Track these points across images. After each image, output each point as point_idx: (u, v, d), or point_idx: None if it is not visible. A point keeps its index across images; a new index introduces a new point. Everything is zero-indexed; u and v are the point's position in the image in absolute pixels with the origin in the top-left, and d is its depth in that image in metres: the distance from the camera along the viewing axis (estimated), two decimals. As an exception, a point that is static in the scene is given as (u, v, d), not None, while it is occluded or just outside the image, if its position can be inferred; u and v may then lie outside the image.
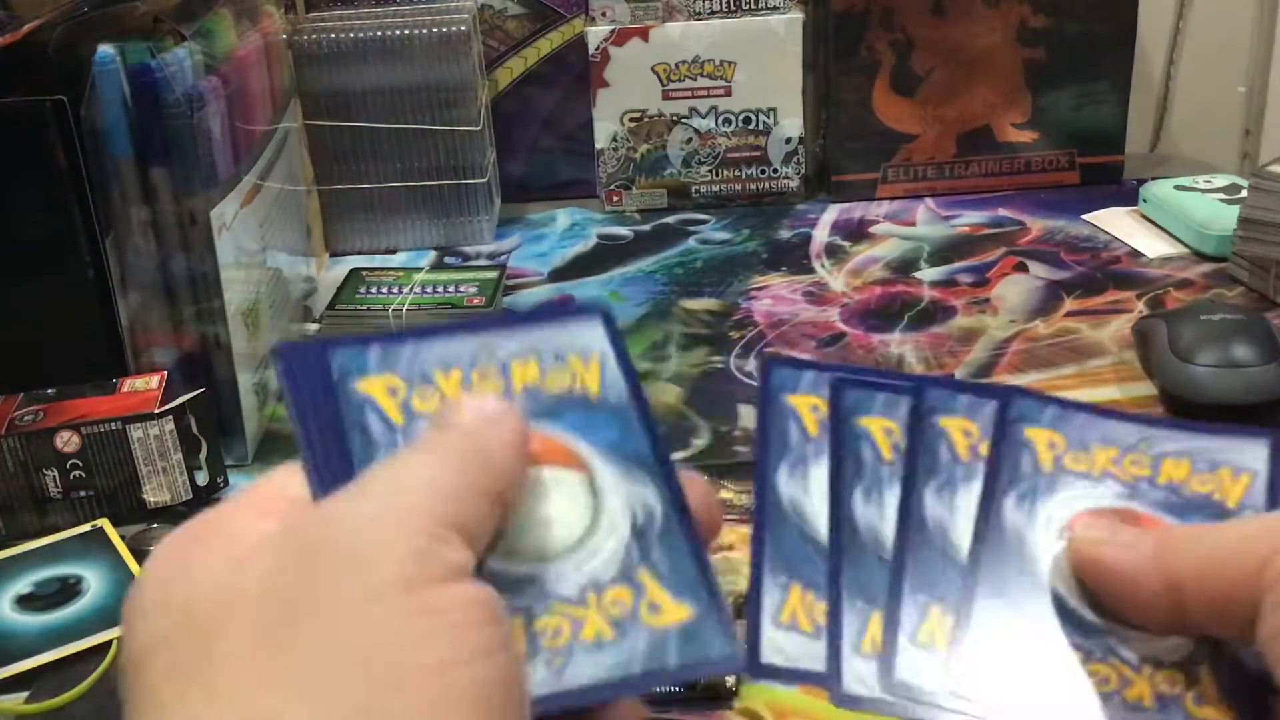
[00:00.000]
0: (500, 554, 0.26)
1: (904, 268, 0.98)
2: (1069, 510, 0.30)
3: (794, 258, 1.02)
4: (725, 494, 0.65)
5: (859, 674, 0.27)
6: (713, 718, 0.54)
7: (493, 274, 0.96)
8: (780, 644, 0.29)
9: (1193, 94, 1.21)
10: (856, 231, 1.06)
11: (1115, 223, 1.04)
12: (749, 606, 0.29)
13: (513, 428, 0.27)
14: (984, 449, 0.30)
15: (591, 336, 0.30)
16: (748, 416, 0.79)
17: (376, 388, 0.27)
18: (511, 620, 0.25)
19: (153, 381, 0.72)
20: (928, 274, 0.97)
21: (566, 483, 0.28)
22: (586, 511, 0.27)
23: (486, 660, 0.22)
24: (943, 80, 1.10)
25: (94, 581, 0.65)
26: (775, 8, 1.08)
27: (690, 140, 1.12)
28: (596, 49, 1.09)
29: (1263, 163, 0.91)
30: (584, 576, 0.26)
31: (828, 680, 0.28)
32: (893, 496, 0.30)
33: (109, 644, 0.60)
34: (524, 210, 1.15)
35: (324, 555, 0.22)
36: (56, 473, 0.69)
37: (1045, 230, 1.04)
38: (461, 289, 0.93)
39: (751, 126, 1.11)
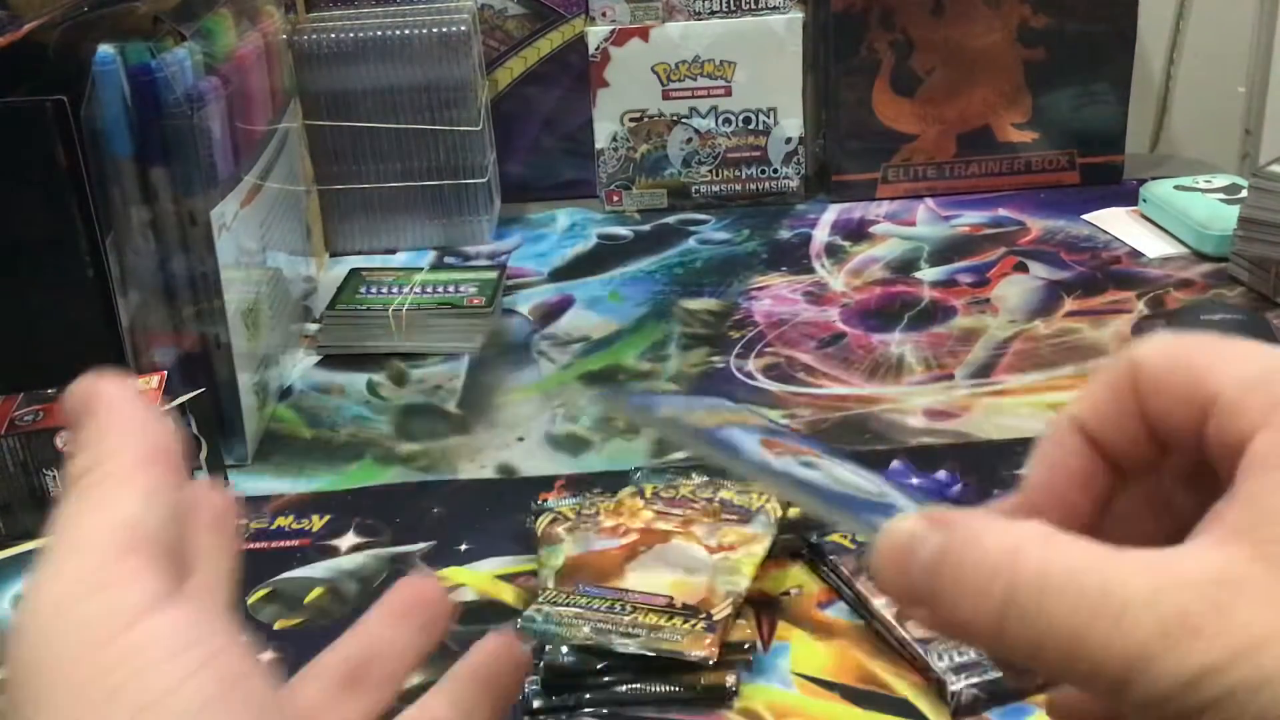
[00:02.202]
0: None
1: (904, 268, 0.98)
2: None
3: (794, 258, 1.02)
4: (725, 494, 0.65)
5: None
6: (713, 718, 0.54)
7: (493, 274, 0.96)
8: None
9: (1193, 94, 1.21)
10: (856, 231, 1.06)
11: (1115, 223, 1.04)
12: None
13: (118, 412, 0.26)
14: None
15: None
16: (748, 416, 0.78)
17: None
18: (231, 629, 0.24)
19: (153, 381, 0.72)
20: (928, 274, 0.97)
21: None
22: None
23: (180, 690, 0.22)
24: (943, 80, 1.10)
25: (94, 581, 0.65)
26: (775, 8, 1.08)
27: (690, 140, 1.12)
28: (596, 49, 1.09)
29: (1263, 162, 0.91)
30: None
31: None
32: None
33: (109, 644, 0.60)
34: (524, 210, 1.15)
35: (20, 652, 0.23)
36: (57, 473, 0.69)
37: (1045, 230, 1.04)
38: (461, 289, 0.93)
39: (751, 126, 1.11)
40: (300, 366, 0.89)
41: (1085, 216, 1.05)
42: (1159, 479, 0.28)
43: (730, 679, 0.55)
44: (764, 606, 0.60)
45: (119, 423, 0.26)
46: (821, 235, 1.06)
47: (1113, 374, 0.27)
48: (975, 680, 0.53)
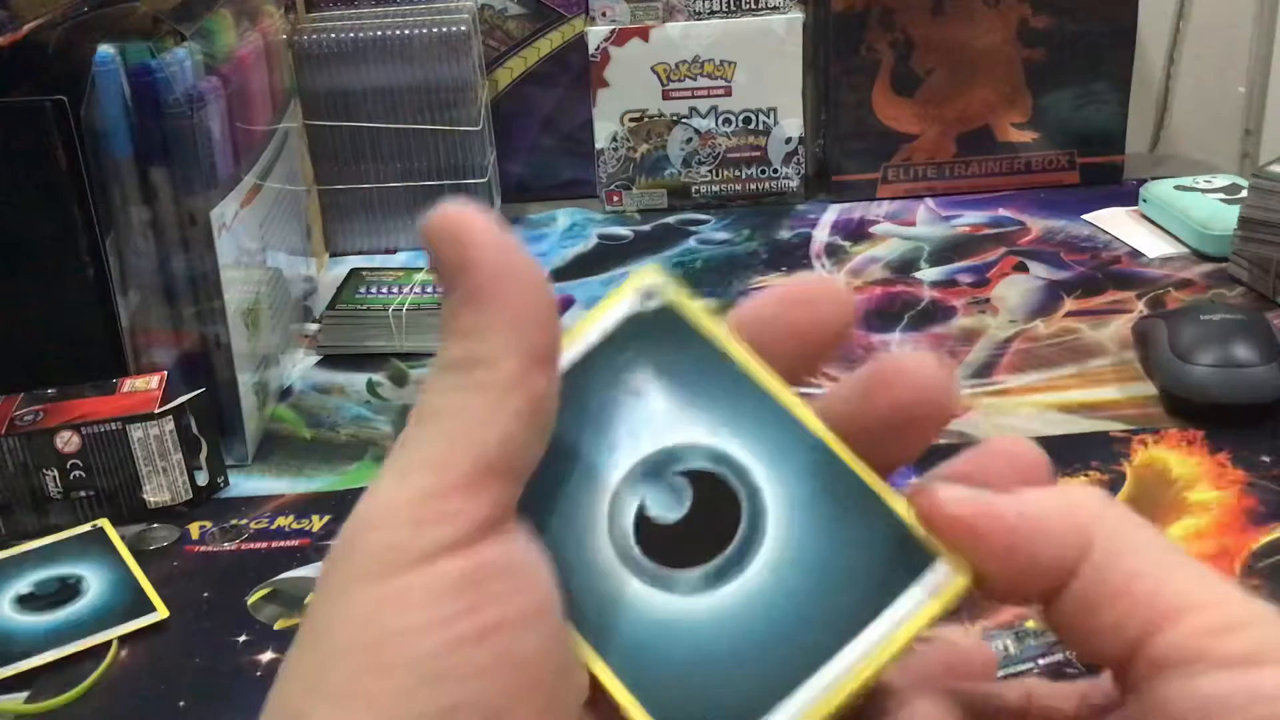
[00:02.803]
0: None
1: (904, 268, 0.98)
2: None
3: (794, 258, 1.02)
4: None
5: None
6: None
7: (493, 274, 0.96)
8: None
9: (1193, 94, 1.21)
10: (856, 231, 1.06)
11: (1115, 223, 1.04)
12: None
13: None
14: None
15: None
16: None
17: None
18: (536, 582, 0.23)
19: (153, 381, 0.72)
20: (928, 274, 0.97)
21: None
22: None
23: (448, 629, 0.22)
24: (943, 80, 1.10)
25: (94, 581, 0.65)
26: (775, 8, 1.08)
27: (690, 140, 1.12)
28: (596, 49, 1.09)
29: (1263, 163, 0.91)
30: None
31: None
32: None
33: (109, 644, 0.60)
34: (524, 210, 1.15)
35: (334, 552, 0.24)
36: (56, 473, 0.69)
37: (1045, 230, 1.04)
38: (461, 289, 0.93)
39: (751, 126, 1.11)
40: (300, 366, 0.89)
41: (1085, 216, 1.05)
42: None
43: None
44: (764, 606, 0.60)
45: (508, 315, 0.23)
46: (821, 235, 1.06)
47: None
48: (975, 680, 0.53)
